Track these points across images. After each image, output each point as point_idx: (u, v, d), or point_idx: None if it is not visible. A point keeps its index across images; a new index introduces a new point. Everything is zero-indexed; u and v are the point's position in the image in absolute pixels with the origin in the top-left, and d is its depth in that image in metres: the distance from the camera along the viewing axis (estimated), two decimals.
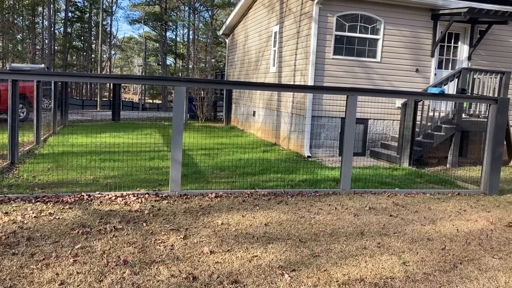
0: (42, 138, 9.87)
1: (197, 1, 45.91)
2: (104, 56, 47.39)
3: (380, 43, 10.14)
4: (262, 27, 13.47)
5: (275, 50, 12.26)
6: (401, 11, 10.11)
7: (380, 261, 3.93)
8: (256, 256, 3.90)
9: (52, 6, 44.12)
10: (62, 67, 45.19)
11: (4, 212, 4.73)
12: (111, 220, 4.66)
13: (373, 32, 10.12)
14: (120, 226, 4.46)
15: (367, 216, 5.30)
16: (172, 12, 50.39)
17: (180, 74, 52.75)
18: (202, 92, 18.86)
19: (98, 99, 34.79)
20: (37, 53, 45.56)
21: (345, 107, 6.28)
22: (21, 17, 42.31)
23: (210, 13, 48.78)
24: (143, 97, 50.45)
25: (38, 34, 47.78)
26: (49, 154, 8.55)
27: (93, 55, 51.29)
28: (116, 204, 5.26)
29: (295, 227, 4.74)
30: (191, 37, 50.87)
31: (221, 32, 17.93)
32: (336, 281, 3.47)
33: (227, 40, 18.20)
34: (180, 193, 5.75)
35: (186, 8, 49.86)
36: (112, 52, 54.40)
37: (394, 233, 4.73)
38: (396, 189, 6.83)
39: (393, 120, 10.39)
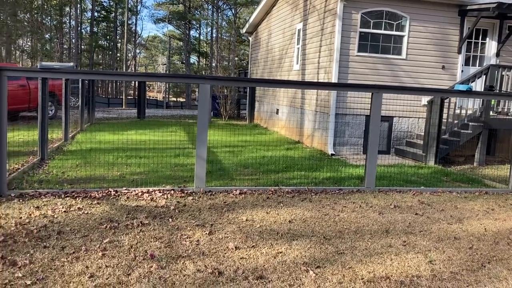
0: (70, 135, 10.11)
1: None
2: (129, 55, 48.08)
3: (405, 39, 10.00)
4: (285, 25, 13.45)
5: (298, 48, 12.23)
6: (427, 7, 9.95)
7: (406, 259, 3.90)
8: (280, 252, 3.92)
9: (79, 6, 45.02)
10: (89, 66, 46.08)
11: (36, 206, 4.88)
12: (138, 215, 4.75)
13: (398, 28, 9.99)
14: (147, 221, 4.55)
15: (392, 214, 5.26)
16: (196, 11, 50.74)
17: (203, 73, 53.09)
18: (226, 90, 18.97)
19: (124, 97, 35.33)
20: (64, 52, 46.56)
21: (370, 105, 6.23)
22: (49, 17, 43.33)
23: (233, 11, 48.92)
24: (167, 95, 50.97)
25: (66, 34, 48.84)
26: (77, 150, 8.76)
27: (118, 54, 52.10)
28: (143, 199, 5.36)
29: (319, 224, 4.74)
30: (214, 35, 51.17)
31: (244, 30, 17.97)
32: (361, 279, 3.46)
33: (250, 38, 18.23)
34: (205, 190, 5.81)
35: (210, 7, 50.15)
36: (137, 51, 55.17)
37: (420, 232, 4.68)
38: (422, 187, 6.74)
39: (419, 118, 10.25)
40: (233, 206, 5.26)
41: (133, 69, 50.24)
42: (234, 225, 4.59)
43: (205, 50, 54.92)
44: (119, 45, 52.42)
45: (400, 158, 9.81)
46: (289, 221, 4.79)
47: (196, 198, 5.55)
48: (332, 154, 9.62)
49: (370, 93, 6.24)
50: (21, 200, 5.11)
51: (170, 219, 4.67)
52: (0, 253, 3.60)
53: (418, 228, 4.79)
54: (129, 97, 41.12)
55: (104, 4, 48.70)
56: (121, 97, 42.65)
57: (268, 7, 14.94)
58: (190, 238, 4.16)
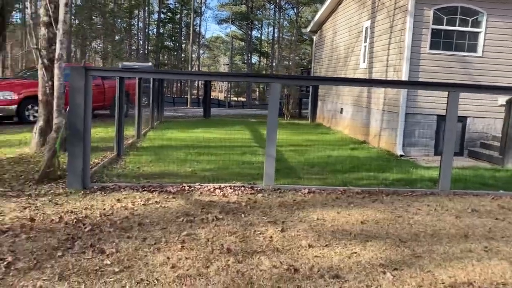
0: (142, 133, 10.58)
1: None
2: (193, 55, 49.39)
3: (481, 36, 9.50)
4: (352, 23, 13.23)
5: (365, 46, 11.99)
6: (507, 1, 9.39)
7: (489, 265, 3.72)
8: (355, 252, 3.88)
9: (147, 8, 46.92)
10: (156, 67, 47.86)
11: (117, 199, 5.16)
12: (211, 210, 4.89)
13: (474, 25, 9.51)
14: (221, 216, 4.67)
15: (470, 219, 5.03)
16: (258, 11, 51.19)
17: (264, 72, 53.44)
18: (286, 90, 18.98)
19: (189, 97, 36.38)
20: (132, 53, 48.69)
21: (446, 104, 5.99)
22: (119, 20, 45.50)
23: (295, 10, 48.84)
24: (229, 95, 51.83)
25: (134, 35, 51.04)
26: (149, 147, 9.15)
27: (183, 55, 53.70)
28: (215, 195, 5.51)
29: (393, 227, 4.63)
30: (276, 35, 51.33)
31: (308, 29, 17.89)
32: (442, 283, 3.35)
33: (314, 37, 18.12)
34: (274, 187, 5.87)
35: (272, 7, 50.40)
36: (201, 51, 56.56)
37: (502, 238, 4.44)
38: (501, 191, 6.39)
39: (495, 118, 9.70)
40: (302, 205, 5.27)
41: (197, 69, 51.55)
42: (305, 223, 4.60)
43: (266, 50, 55.23)
44: (183, 45, 54.02)
45: (474, 160, 9.35)
46: (361, 222, 4.72)
47: (266, 195, 5.62)
48: (401, 155, 9.35)
49: (446, 92, 6.00)
50: (103, 193, 5.43)
51: (243, 215, 4.76)
52: (89, 241, 3.85)
53: (499, 234, 4.55)
54: (193, 97, 42.24)
55: (170, 6, 50.39)
56: (185, 96, 43.98)
57: (334, 5, 14.77)
58: (263, 234, 4.23)
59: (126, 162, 7.45)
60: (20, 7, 31.72)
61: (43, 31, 8.18)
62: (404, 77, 9.26)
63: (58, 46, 7.68)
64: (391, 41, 10.20)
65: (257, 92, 60.24)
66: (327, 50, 15.98)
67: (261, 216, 4.75)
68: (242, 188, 5.82)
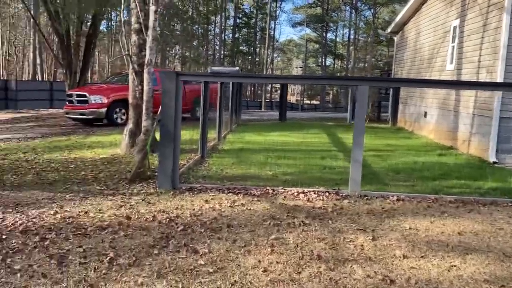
0: (222, 135, 10.80)
1: (359, 0, 45.30)
2: (267, 59, 49.84)
3: None
4: (438, 22, 12.59)
5: (453, 46, 11.34)
6: None
7: None
8: (454, 266, 3.64)
9: (223, 14, 48.14)
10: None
11: (205, 200, 5.29)
12: (297, 214, 4.84)
13: None
14: (308, 222, 4.61)
15: None
16: (333, 13, 50.57)
17: (338, 74, 52.65)
18: None
19: (263, 100, 36.77)
20: (209, 58, 50.16)
21: None
22: (196, 26, 47.10)
23: (372, 11, 47.62)
24: (302, 98, 51.68)
25: (210, 41, 52.59)
26: (230, 150, 9.31)
27: (257, 59, 54.39)
28: (299, 199, 5.46)
29: (494, 239, 4.29)
30: (351, 36, 50.38)
31: (389, 30, 17.31)
32: None
33: (395, 38, 17.49)
34: (360, 194, 5.70)
35: (347, 8, 49.55)
36: (274, 54, 56.99)
37: None
38: None
39: None
40: (392, 213, 5.06)
41: (270, 72, 51.97)
42: (397, 232, 4.40)
43: (341, 52, 54.37)
44: (257, 50, 54.72)
45: None
46: (458, 233, 4.43)
47: (352, 201, 5.47)
48: (494, 162, 8.70)
49: None
50: (191, 193, 5.58)
51: (330, 221, 4.66)
52: (182, 240, 3.96)
53: None
54: (266, 100, 42.61)
55: (246, 11, 51.29)
56: (259, 100, 44.48)
57: (417, 4, 14.15)
58: (353, 242, 4.10)
59: (209, 164, 7.63)
60: (110, 15, 33.94)
61: (133, 37, 8.63)
62: (499, 78, 8.62)
63: (147, 51, 8.05)
64: (483, 41, 9.55)
65: (331, 95, 59.49)
66: (409, 52, 15.35)
67: (349, 223, 4.62)
68: (327, 194, 5.71)
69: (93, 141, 10.17)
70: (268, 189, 5.77)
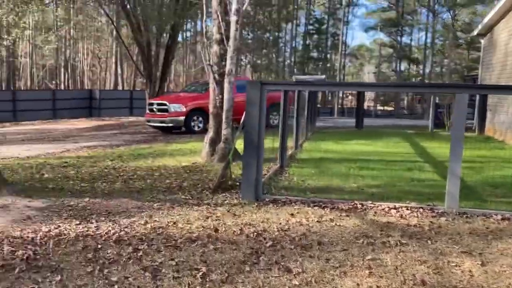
0: (299, 143, 10.62)
1: (437, 2, 43.31)
2: (339, 65, 49.05)
3: None
4: None
5: None
6: None
7: None
8: None
9: (294, 21, 48.14)
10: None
11: (290, 213, 5.12)
12: (391, 233, 4.52)
13: None
14: (404, 241, 4.27)
15: None
16: (408, 16, 48.75)
17: (413, 80, 50.59)
18: (438, 99, 17.45)
19: (335, 107, 36.20)
20: (279, 65, 50.33)
21: None
22: (268, 34, 47.50)
23: (450, 13, 45.36)
24: (375, 104, 50.18)
25: (281, 48, 52.78)
26: (309, 159, 9.10)
27: (328, 64, 53.71)
28: (391, 216, 5.12)
29: None
30: (428, 40, 48.24)
31: (475, 32, 16.24)
32: None
33: (481, 41, 16.37)
34: (458, 211, 5.24)
35: (424, 11, 47.53)
36: (346, 60, 55.98)
37: None
38: None
39: None
40: (499, 234, 4.57)
41: (342, 78, 51.10)
42: (508, 257, 3.94)
43: (416, 56, 52.21)
44: (328, 55, 54.05)
45: None
46: None
47: (450, 219, 5.03)
48: None
49: None
50: (275, 205, 5.44)
51: (429, 241, 4.29)
52: (273, 257, 3.81)
53: None
54: (338, 106, 41.87)
55: (318, 17, 50.90)
56: (329, 106, 43.83)
57: (510, 4, 13.11)
58: (459, 266, 3.72)
59: (289, 174, 7.47)
60: (186, 27, 35.17)
61: (214, 48, 8.73)
62: None
63: (228, 61, 8.09)
64: None
65: (405, 101, 57.24)
66: (499, 55, 14.25)
67: (451, 245, 4.22)
68: (421, 210, 5.31)
69: (174, 149, 10.42)
70: (356, 204, 5.49)
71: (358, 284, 3.36)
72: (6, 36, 23.68)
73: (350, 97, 53.61)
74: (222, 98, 8.28)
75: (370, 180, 7.17)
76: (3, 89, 34.64)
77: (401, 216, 5.09)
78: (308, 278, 3.44)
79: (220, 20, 8.38)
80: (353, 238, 4.36)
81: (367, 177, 7.36)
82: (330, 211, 5.24)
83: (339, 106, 42.11)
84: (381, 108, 54.94)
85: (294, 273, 3.51)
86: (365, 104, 57.71)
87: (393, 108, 49.38)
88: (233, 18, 7.90)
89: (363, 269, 3.63)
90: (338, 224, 4.78)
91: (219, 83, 8.53)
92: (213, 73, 8.57)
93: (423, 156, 10.11)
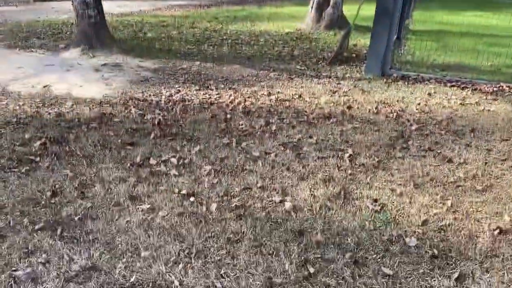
0: (410, 13, 9.42)
1: None
2: None
3: None
4: None
5: None
6: None
7: None
8: None
9: None
10: None
11: (427, 93, 4.53)
12: None
13: None
14: None
15: None
16: None
17: None
18: None
19: None
20: None
21: None
22: None
23: None
24: None
25: None
26: (424, 31, 8.10)
27: None
28: None
29: None
30: None
31: None
32: None
33: None
34: None
35: None
36: None
37: None
38: None
39: None
40: None
41: None
42: None
43: None
44: None
45: None
46: None
47: None
48: None
49: None
50: (406, 83, 4.86)
51: None
52: (424, 143, 3.36)
53: None
54: None
55: None
56: None
57: None
58: None
59: (409, 47, 6.66)
60: None
61: None
62: None
63: None
64: None
65: None
66: None
67: None
68: None
69: (269, 11, 9.67)
70: (503, 86, 4.74)
71: None
72: None
73: None
74: None
75: (505, 58, 6.21)
76: None
77: None
78: (473, 170, 2.99)
79: None
80: (510, 126, 3.76)
81: (501, 55, 6.37)
82: (472, 93, 4.58)
83: None
84: None
85: (455, 164, 3.07)
86: None
87: None
88: None
89: None
90: (487, 109, 4.14)
91: None
92: None
93: None
